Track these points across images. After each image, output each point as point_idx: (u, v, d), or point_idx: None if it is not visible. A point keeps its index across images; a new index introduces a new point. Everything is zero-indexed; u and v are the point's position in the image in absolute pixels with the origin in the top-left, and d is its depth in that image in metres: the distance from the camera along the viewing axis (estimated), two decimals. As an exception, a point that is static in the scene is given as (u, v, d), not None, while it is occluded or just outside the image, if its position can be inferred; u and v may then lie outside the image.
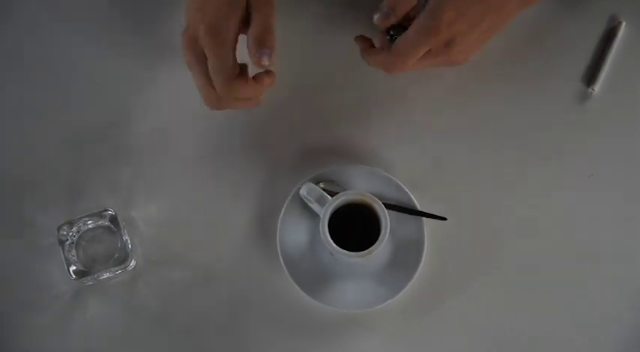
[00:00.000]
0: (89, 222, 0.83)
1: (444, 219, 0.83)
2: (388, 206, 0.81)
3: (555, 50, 0.89)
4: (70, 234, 0.83)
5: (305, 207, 0.82)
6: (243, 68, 0.78)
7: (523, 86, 0.88)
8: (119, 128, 0.87)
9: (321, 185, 0.83)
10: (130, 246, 0.83)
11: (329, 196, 0.79)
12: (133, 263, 0.84)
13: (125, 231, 0.83)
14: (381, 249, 0.77)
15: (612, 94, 0.87)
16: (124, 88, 0.88)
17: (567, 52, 0.88)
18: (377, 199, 0.77)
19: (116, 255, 0.83)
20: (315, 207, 0.80)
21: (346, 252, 0.76)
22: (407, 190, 0.83)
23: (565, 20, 0.89)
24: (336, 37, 0.88)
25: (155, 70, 0.89)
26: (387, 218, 0.76)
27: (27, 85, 0.88)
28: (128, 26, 0.90)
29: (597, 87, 0.87)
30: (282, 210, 0.83)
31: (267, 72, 0.78)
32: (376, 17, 0.77)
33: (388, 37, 0.78)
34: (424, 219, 0.83)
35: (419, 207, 0.83)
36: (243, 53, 0.77)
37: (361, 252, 0.76)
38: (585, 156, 0.87)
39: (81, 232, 0.84)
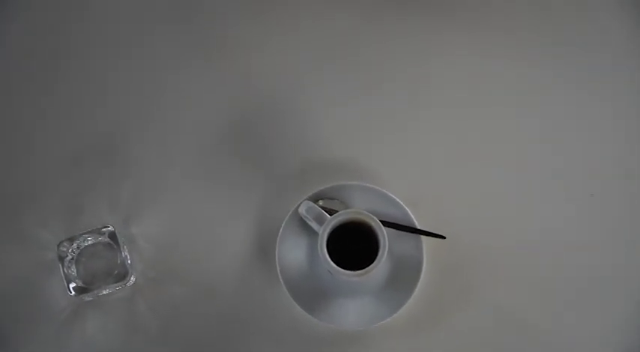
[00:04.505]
0: (89, 238, 0.84)
1: (443, 237, 0.83)
2: (387, 224, 0.81)
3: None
4: (70, 250, 0.83)
5: (304, 224, 0.82)
6: None
7: (521, 99, 0.88)
8: (120, 145, 0.87)
9: (320, 203, 0.83)
10: (129, 262, 0.83)
11: (327, 215, 0.79)
12: (132, 279, 0.84)
13: (125, 248, 0.84)
14: (380, 267, 0.77)
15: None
16: (125, 104, 0.88)
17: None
18: (375, 218, 0.77)
19: (116, 272, 0.83)
20: (313, 225, 0.80)
21: (344, 271, 0.76)
22: (406, 208, 0.83)
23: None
24: (338, 55, 0.89)
25: (156, 88, 0.89)
26: (385, 237, 0.76)
27: (27, 100, 0.89)
28: (130, 42, 0.90)
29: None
30: (281, 228, 0.83)
31: None
32: None
33: None
34: (423, 237, 0.83)
35: (418, 225, 0.83)
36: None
37: (359, 271, 0.76)
38: (586, 175, 0.87)
39: (81, 248, 0.84)
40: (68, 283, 0.82)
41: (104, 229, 0.83)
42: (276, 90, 0.89)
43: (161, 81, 0.89)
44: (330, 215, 0.78)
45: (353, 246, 0.79)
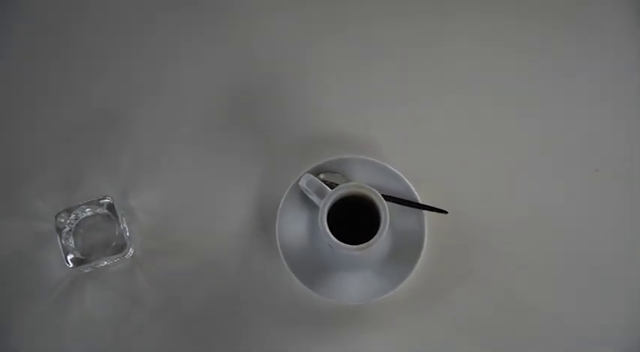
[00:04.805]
0: (87, 209, 0.83)
1: (445, 212, 0.82)
2: (388, 198, 0.80)
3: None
4: (68, 221, 0.82)
5: (305, 198, 0.82)
6: None
7: (523, 87, 0.88)
8: (119, 116, 0.87)
9: (322, 176, 0.82)
10: (127, 234, 0.83)
11: (328, 188, 0.78)
12: (130, 251, 0.84)
13: (123, 219, 0.83)
14: (381, 242, 0.76)
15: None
16: (123, 76, 0.88)
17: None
18: (376, 192, 0.76)
19: (114, 243, 0.83)
20: (314, 198, 0.79)
21: (345, 245, 0.75)
22: (408, 182, 0.82)
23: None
24: (340, 28, 0.88)
25: (156, 59, 0.88)
26: (386, 211, 0.75)
27: (25, 72, 0.88)
28: (128, 15, 0.89)
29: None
30: (282, 201, 0.82)
31: None
32: None
33: None
34: (425, 211, 0.82)
35: (420, 200, 0.82)
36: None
37: (360, 245, 0.75)
38: (590, 150, 0.86)
39: (79, 220, 0.83)
40: (66, 254, 0.81)
41: (102, 200, 0.82)
42: (278, 63, 0.88)
43: (161, 52, 0.88)
44: (331, 188, 0.77)
45: (354, 219, 0.78)
